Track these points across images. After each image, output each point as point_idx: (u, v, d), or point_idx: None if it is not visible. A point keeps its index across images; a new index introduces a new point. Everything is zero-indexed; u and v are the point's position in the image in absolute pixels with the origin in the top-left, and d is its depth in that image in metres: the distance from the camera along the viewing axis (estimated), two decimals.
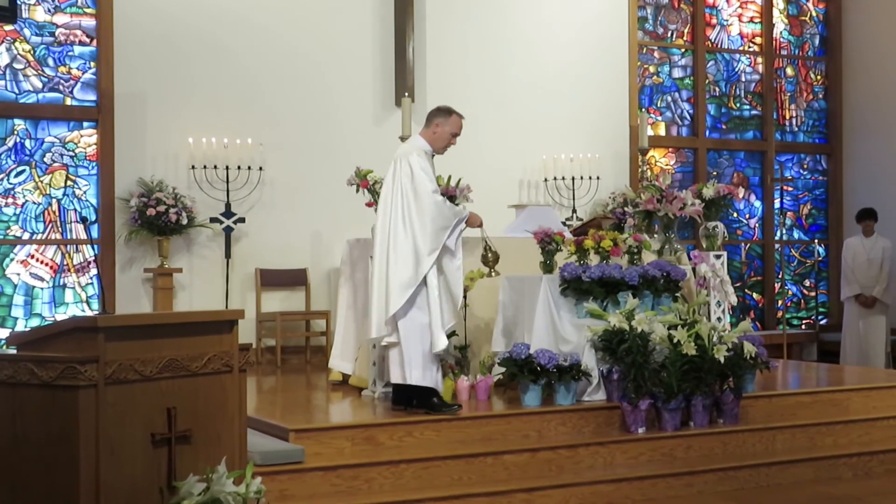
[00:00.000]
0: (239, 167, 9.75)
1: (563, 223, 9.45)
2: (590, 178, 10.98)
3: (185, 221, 9.35)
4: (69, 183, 9.54)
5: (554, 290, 7.10)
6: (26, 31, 9.44)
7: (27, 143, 9.41)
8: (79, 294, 9.49)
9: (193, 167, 9.66)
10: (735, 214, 12.31)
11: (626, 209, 9.01)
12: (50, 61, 9.52)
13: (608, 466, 6.27)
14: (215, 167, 9.69)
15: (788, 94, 12.84)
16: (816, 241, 12.81)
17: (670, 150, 12.12)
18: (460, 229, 6.42)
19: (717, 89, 12.41)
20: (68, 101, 9.57)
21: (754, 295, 12.50)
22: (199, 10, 9.86)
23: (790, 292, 12.58)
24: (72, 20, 9.60)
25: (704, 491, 6.24)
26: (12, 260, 9.28)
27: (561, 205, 10.92)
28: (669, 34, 12.19)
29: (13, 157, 9.35)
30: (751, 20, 12.67)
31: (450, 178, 7.71)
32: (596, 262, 7.22)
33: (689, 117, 12.22)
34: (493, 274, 6.89)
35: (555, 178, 11.00)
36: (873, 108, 12.49)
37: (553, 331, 7.07)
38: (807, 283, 12.81)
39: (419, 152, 6.46)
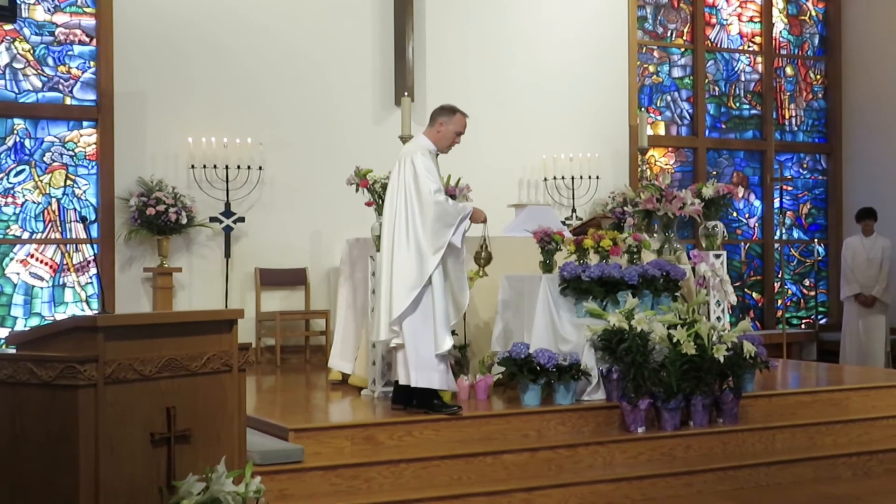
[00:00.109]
0: (238, 167, 9.75)
1: (563, 223, 9.45)
2: (589, 177, 10.98)
3: (184, 221, 9.35)
4: (69, 182, 9.54)
5: (553, 289, 7.10)
6: (26, 31, 9.44)
7: (27, 142, 9.41)
8: (78, 293, 9.49)
9: (193, 167, 9.66)
10: (735, 214, 12.31)
11: (625, 209, 9.01)
12: (49, 61, 9.51)
13: (608, 466, 6.28)
14: (215, 167, 9.69)
15: (788, 93, 12.84)
16: (816, 240, 12.82)
17: (670, 149, 12.12)
18: (465, 226, 6.39)
19: (716, 89, 12.41)
20: (68, 101, 9.57)
21: (754, 294, 12.51)
22: (199, 10, 9.86)
23: (790, 292, 12.58)
24: (71, 19, 9.60)
25: (704, 490, 6.24)
26: (12, 259, 9.28)
27: (560, 204, 10.92)
28: (669, 34, 12.19)
29: (13, 156, 9.35)
30: (750, 20, 12.67)
31: (449, 177, 7.71)
32: (595, 262, 7.22)
33: (688, 117, 12.22)
34: (482, 274, 6.88)
35: (554, 178, 11.00)
36: (873, 108, 12.49)
37: (552, 330, 7.07)
38: (806, 282, 12.82)
39: (423, 152, 6.44)
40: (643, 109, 11.64)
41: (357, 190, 7.50)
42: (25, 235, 9.36)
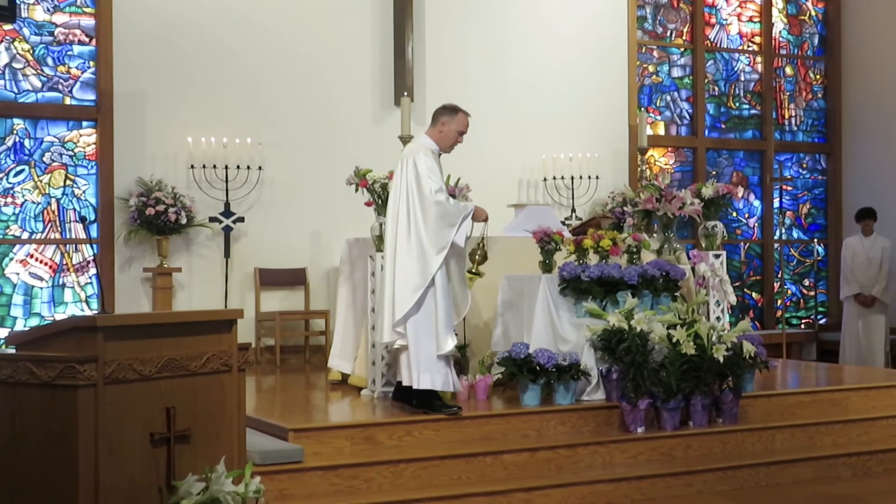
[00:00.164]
0: (238, 167, 9.75)
1: (563, 222, 9.44)
2: (589, 177, 10.98)
3: (184, 221, 9.35)
4: (68, 182, 9.54)
5: (553, 289, 7.10)
6: (25, 31, 9.43)
7: (26, 142, 9.41)
8: (78, 293, 9.49)
9: (192, 167, 9.66)
10: (734, 214, 12.31)
11: (625, 208, 9.02)
12: (49, 61, 9.51)
13: (607, 466, 6.28)
14: (214, 167, 9.69)
15: (787, 93, 12.84)
16: (816, 240, 12.82)
17: (669, 149, 12.12)
18: (467, 225, 6.37)
19: (716, 89, 12.41)
20: (67, 101, 9.56)
21: (753, 294, 12.51)
22: (199, 10, 9.86)
23: (789, 292, 12.58)
24: (71, 19, 9.59)
25: (703, 490, 6.24)
26: (11, 259, 9.28)
27: (560, 204, 10.92)
28: (669, 33, 12.19)
29: (12, 156, 9.35)
30: (750, 19, 12.67)
31: (449, 177, 7.71)
32: (595, 262, 7.22)
33: (688, 117, 12.22)
34: (475, 270, 6.79)
35: (554, 178, 11.00)
36: (872, 108, 12.49)
37: (552, 330, 7.07)
38: (806, 282, 12.82)
39: (426, 151, 6.42)
40: (643, 109, 11.64)
41: (357, 190, 7.49)
42: (25, 235, 9.36)
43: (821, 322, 12.66)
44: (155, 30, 9.68)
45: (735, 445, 6.67)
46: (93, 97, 9.60)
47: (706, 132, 12.25)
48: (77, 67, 9.59)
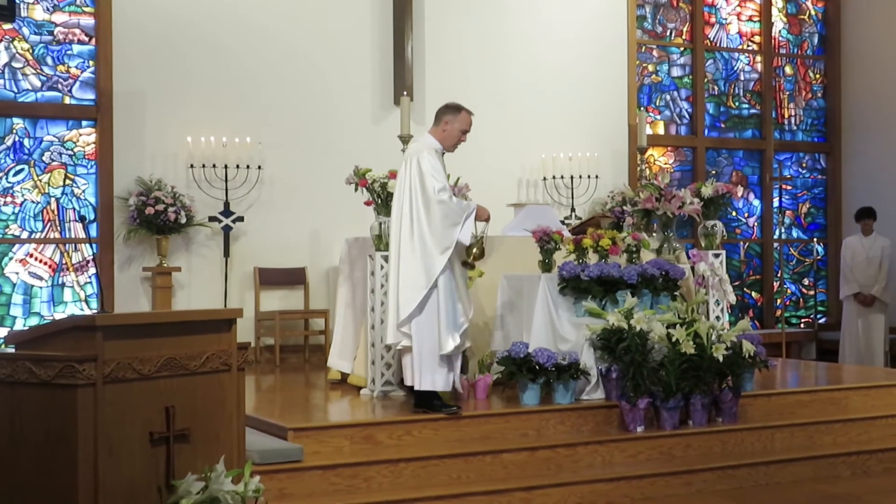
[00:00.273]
0: (238, 166, 9.75)
1: (562, 222, 9.44)
2: (588, 176, 10.98)
3: (183, 220, 9.35)
4: (68, 182, 9.54)
5: (552, 288, 7.10)
6: (25, 30, 9.43)
7: (26, 141, 9.41)
8: (77, 293, 9.49)
9: (192, 166, 9.66)
10: (734, 213, 12.31)
11: (624, 208, 9.02)
12: (49, 60, 9.51)
13: (607, 465, 6.28)
14: (214, 166, 9.69)
15: (787, 92, 12.84)
16: (815, 239, 12.82)
17: (669, 148, 12.11)
18: (470, 223, 6.35)
19: (715, 88, 12.41)
20: (67, 100, 9.56)
21: (753, 294, 12.51)
22: (198, 9, 9.86)
23: (789, 291, 12.58)
24: (70, 19, 9.59)
25: (703, 490, 6.24)
26: (11, 259, 9.28)
27: (560, 203, 10.93)
28: (668, 33, 12.19)
29: (12, 155, 9.35)
30: (749, 19, 12.67)
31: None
32: (594, 261, 7.22)
33: (687, 116, 12.22)
34: (471, 264, 6.68)
35: (553, 177, 11.01)
36: (872, 107, 12.49)
37: (551, 329, 7.07)
38: (805, 281, 12.82)
39: (429, 151, 6.41)
40: (642, 109, 11.64)
41: (356, 189, 7.49)
42: (24, 235, 9.36)
43: (820, 321, 12.67)
44: (154, 29, 9.68)
45: (734, 445, 6.67)
46: (92, 96, 9.60)
47: (706, 131, 12.25)
48: (76, 67, 9.59)
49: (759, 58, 12.67)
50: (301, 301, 9.98)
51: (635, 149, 10.99)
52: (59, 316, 9.15)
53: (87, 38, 9.64)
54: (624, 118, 11.51)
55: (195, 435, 4.22)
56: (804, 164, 12.94)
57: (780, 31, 12.85)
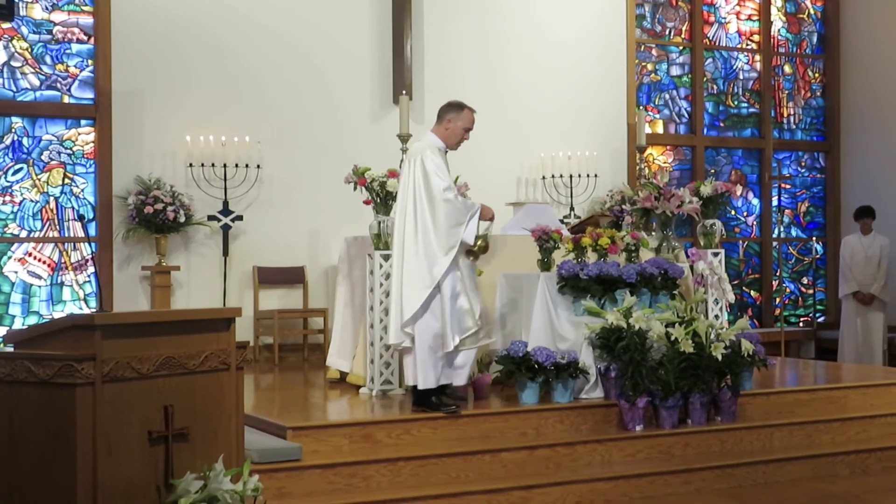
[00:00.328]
0: (237, 165, 9.75)
1: (561, 221, 9.44)
2: (588, 175, 10.98)
3: (182, 219, 9.34)
4: (67, 181, 9.54)
5: (551, 287, 7.10)
6: (24, 29, 9.43)
7: (25, 140, 9.40)
8: (76, 292, 9.49)
9: (191, 165, 9.65)
10: (733, 212, 12.32)
11: (623, 207, 9.02)
12: (47, 59, 9.51)
13: (606, 464, 6.28)
14: (213, 165, 9.69)
15: (786, 91, 12.84)
16: (814, 238, 12.82)
17: (668, 147, 12.11)
18: (474, 223, 6.33)
19: (714, 87, 12.41)
20: (66, 99, 9.56)
21: (752, 292, 12.51)
22: (197, 8, 9.85)
23: (788, 290, 12.58)
24: (69, 18, 9.59)
25: (702, 488, 6.24)
26: (10, 258, 9.28)
27: (559, 202, 10.93)
28: (667, 32, 12.19)
29: (11, 154, 9.35)
30: (749, 18, 12.67)
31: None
32: (594, 260, 7.22)
33: (686, 115, 12.22)
34: (475, 255, 6.64)
35: (553, 176, 11.00)
36: (871, 106, 12.49)
37: (551, 328, 7.07)
38: (805, 280, 12.82)
39: (433, 150, 6.39)
40: (641, 108, 11.64)
41: (355, 188, 7.49)
42: (23, 234, 9.36)
43: (819, 320, 12.67)
44: (153, 28, 9.67)
45: (733, 443, 6.67)
46: (91, 96, 9.60)
47: (705, 130, 12.25)
48: (75, 66, 9.59)
49: (758, 57, 12.67)
50: (300, 300, 9.98)
51: (634, 148, 10.98)
52: (57, 315, 9.14)
53: (85, 38, 9.63)
54: (623, 117, 11.51)
55: (194, 434, 4.22)
56: (803, 163, 12.94)
57: (779, 30, 12.85)
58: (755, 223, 12.56)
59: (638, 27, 11.87)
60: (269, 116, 10.04)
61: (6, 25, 9.24)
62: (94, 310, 8.82)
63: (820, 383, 7.94)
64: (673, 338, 6.59)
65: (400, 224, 6.37)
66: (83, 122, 9.60)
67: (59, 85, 9.53)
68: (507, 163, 10.83)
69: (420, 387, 6.31)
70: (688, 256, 7.90)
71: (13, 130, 9.37)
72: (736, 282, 12.07)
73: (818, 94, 13.03)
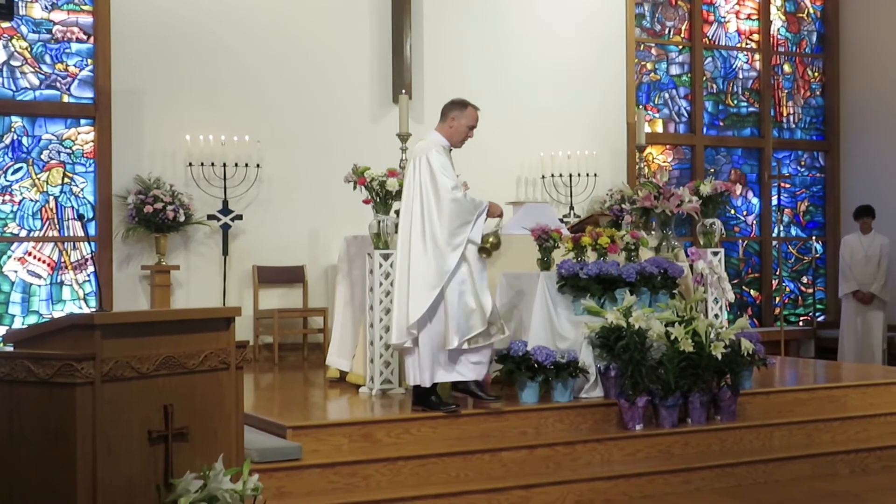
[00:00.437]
0: (236, 164, 9.75)
1: (561, 220, 9.44)
2: (587, 174, 10.98)
3: (182, 219, 9.34)
4: (66, 180, 9.53)
5: (551, 287, 7.10)
6: (23, 28, 9.43)
7: (24, 140, 9.40)
8: (76, 291, 9.48)
9: (191, 164, 9.65)
10: (732, 211, 12.32)
11: (623, 206, 9.01)
12: (47, 58, 9.50)
13: (605, 463, 6.28)
14: (212, 164, 9.68)
15: (786, 90, 12.84)
16: (814, 237, 12.83)
17: (668, 147, 12.11)
18: (482, 221, 6.31)
19: (714, 86, 12.41)
20: (65, 99, 9.56)
21: (752, 292, 12.51)
22: (197, 8, 9.85)
23: (788, 289, 12.58)
24: (69, 17, 9.58)
25: (702, 488, 6.24)
26: (9, 257, 9.28)
27: (558, 202, 10.92)
28: (667, 31, 12.19)
29: (10, 154, 9.35)
30: (748, 17, 12.67)
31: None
32: (593, 259, 7.22)
33: (686, 114, 12.22)
34: (487, 252, 6.63)
35: (552, 175, 11.00)
36: (871, 105, 12.49)
37: (550, 328, 7.07)
38: (804, 279, 12.82)
39: (437, 148, 6.37)
40: (641, 107, 11.64)
41: (355, 187, 7.49)
42: (23, 233, 9.36)
43: (819, 319, 12.68)
44: (153, 27, 9.67)
45: (733, 443, 6.67)
46: (91, 95, 9.60)
47: (704, 130, 12.25)
48: (75, 65, 9.59)
49: (757, 56, 12.67)
50: (300, 299, 9.98)
51: (634, 147, 10.98)
52: (57, 314, 9.14)
53: (85, 37, 9.63)
54: (623, 116, 11.51)
55: (194, 433, 4.22)
56: (803, 163, 12.94)
57: (778, 30, 12.85)
58: (755, 222, 12.56)
59: (637, 26, 11.87)
60: (269, 116, 10.04)
61: (6, 25, 9.23)
62: (94, 309, 8.81)
63: (820, 382, 7.93)
64: (672, 337, 6.59)
65: (405, 223, 6.33)
66: (83, 121, 9.60)
67: (58, 84, 9.53)
68: (507, 162, 10.83)
69: (425, 385, 6.29)
70: (687, 255, 7.90)
71: (13, 130, 9.37)
72: (735, 281, 12.07)
73: (818, 93, 13.03)
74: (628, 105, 11.54)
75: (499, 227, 6.55)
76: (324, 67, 10.29)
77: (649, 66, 12.04)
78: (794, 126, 12.88)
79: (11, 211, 9.32)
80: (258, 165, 9.85)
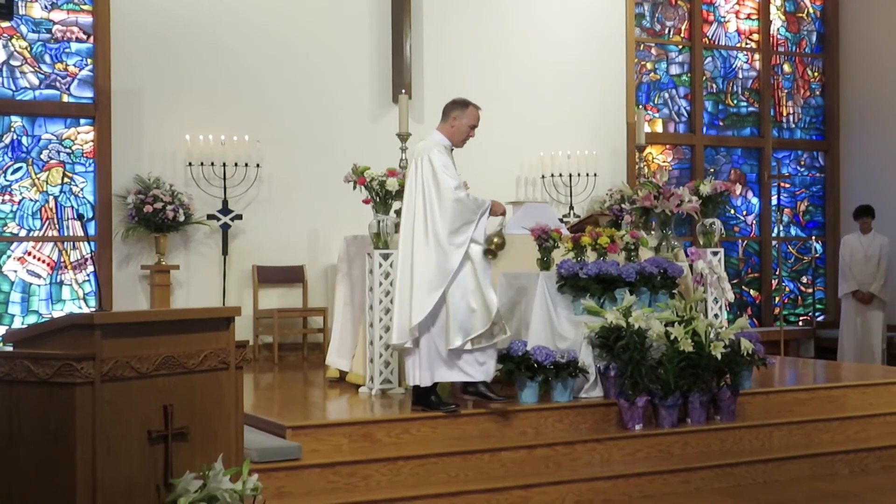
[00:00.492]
0: (236, 164, 9.75)
1: (561, 220, 9.44)
2: (587, 174, 10.98)
3: (182, 218, 9.34)
4: (66, 180, 9.53)
5: (551, 286, 7.10)
6: (23, 28, 9.42)
7: (24, 140, 9.40)
8: (76, 291, 9.48)
9: (190, 164, 9.65)
10: (732, 211, 12.32)
11: (623, 206, 9.02)
12: (47, 58, 9.50)
13: (605, 463, 6.28)
14: (212, 164, 9.68)
15: (786, 90, 12.84)
16: (814, 237, 12.82)
17: (667, 146, 12.11)
18: (485, 221, 6.30)
19: (714, 86, 12.41)
20: (65, 98, 9.56)
21: (751, 291, 12.51)
22: (197, 8, 9.85)
23: (787, 289, 12.58)
24: (69, 17, 9.58)
25: (701, 487, 6.24)
26: (9, 257, 9.28)
27: (558, 201, 10.93)
28: (667, 31, 12.19)
29: (10, 154, 9.34)
30: (748, 17, 12.67)
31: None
32: (593, 259, 7.22)
33: (686, 114, 12.22)
34: (493, 253, 6.63)
35: (552, 175, 11.00)
36: (870, 105, 12.49)
37: (550, 327, 7.07)
38: (804, 279, 12.82)
39: (439, 148, 6.37)
40: (641, 107, 11.64)
41: (355, 187, 7.49)
42: (23, 233, 9.36)
43: (819, 319, 12.67)
44: (153, 27, 9.67)
45: (733, 442, 6.67)
46: (90, 95, 9.59)
47: (704, 129, 12.25)
48: (75, 65, 9.59)
49: (757, 56, 12.67)
50: (299, 299, 9.98)
51: (634, 147, 10.99)
52: (57, 314, 9.14)
53: (85, 36, 9.63)
54: (622, 116, 11.51)
55: (193, 433, 4.22)
56: (802, 162, 12.95)
57: (778, 29, 12.85)
58: (754, 222, 12.56)
59: (637, 26, 11.87)
60: (269, 116, 10.04)
61: (5, 24, 9.23)
62: (94, 309, 8.80)
63: (819, 382, 7.93)
64: (672, 337, 6.59)
65: (407, 223, 6.31)
66: (82, 121, 9.60)
67: (58, 84, 9.53)
68: (507, 162, 10.83)
69: (426, 384, 6.29)
70: (687, 255, 7.90)
71: (12, 129, 9.37)
72: (735, 281, 12.07)
73: (817, 92, 13.03)
74: (628, 105, 11.54)
75: (502, 225, 6.54)
76: (324, 67, 10.29)
77: (649, 65, 12.04)
78: (793, 126, 12.89)
79: (11, 211, 9.32)
80: (258, 165, 9.85)
